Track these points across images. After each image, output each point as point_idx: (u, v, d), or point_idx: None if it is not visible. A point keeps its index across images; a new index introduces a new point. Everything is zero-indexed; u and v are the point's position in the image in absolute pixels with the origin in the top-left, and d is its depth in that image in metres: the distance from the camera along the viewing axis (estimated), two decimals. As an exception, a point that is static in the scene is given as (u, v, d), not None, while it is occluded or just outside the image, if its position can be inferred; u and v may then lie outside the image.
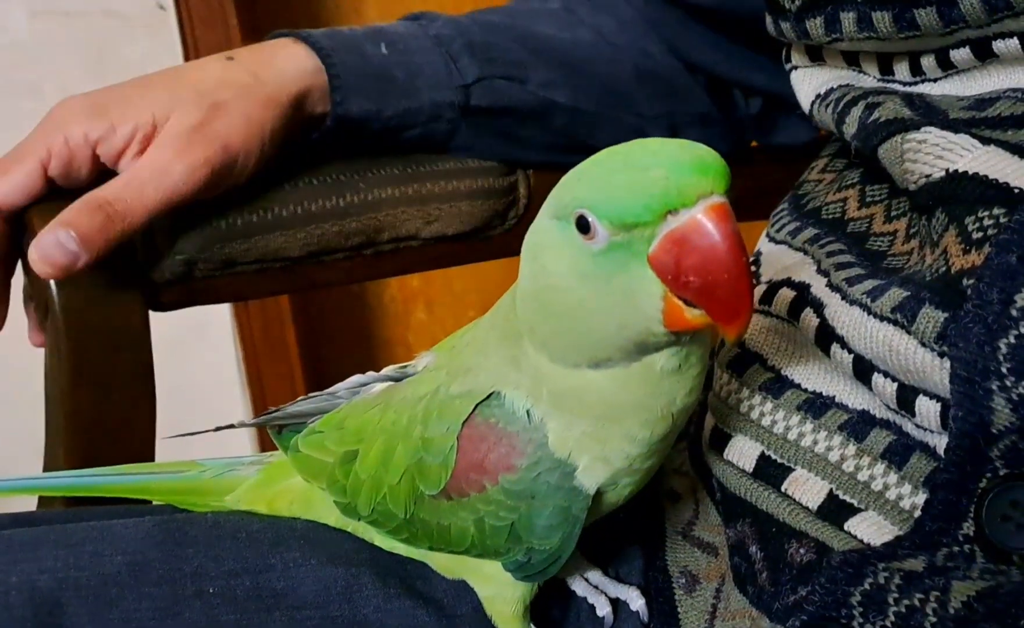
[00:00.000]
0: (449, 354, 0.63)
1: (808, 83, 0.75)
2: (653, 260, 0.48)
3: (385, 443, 0.61)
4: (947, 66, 0.64)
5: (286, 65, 0.86)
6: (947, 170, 0.58)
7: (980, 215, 0.55)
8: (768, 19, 0.74)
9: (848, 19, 0.65)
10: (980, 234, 0.55)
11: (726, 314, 0.48)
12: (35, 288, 0.85)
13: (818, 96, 0.73)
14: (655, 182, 0.47)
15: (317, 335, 2.21)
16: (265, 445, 0.70)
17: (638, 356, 0.52)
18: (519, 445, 0.56)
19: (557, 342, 0.54)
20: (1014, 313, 0.51)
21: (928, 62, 0.65)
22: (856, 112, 0.66)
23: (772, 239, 0.75)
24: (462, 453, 0.57)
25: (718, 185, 0.47)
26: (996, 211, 0.55)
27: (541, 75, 0.94)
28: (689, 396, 0.55)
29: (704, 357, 0.55)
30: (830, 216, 0.70)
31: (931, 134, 0.60)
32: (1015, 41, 0.59)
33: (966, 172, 0.57)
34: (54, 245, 0.74)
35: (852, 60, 0.71)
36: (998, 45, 0.60)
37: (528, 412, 0.56)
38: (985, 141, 0.58)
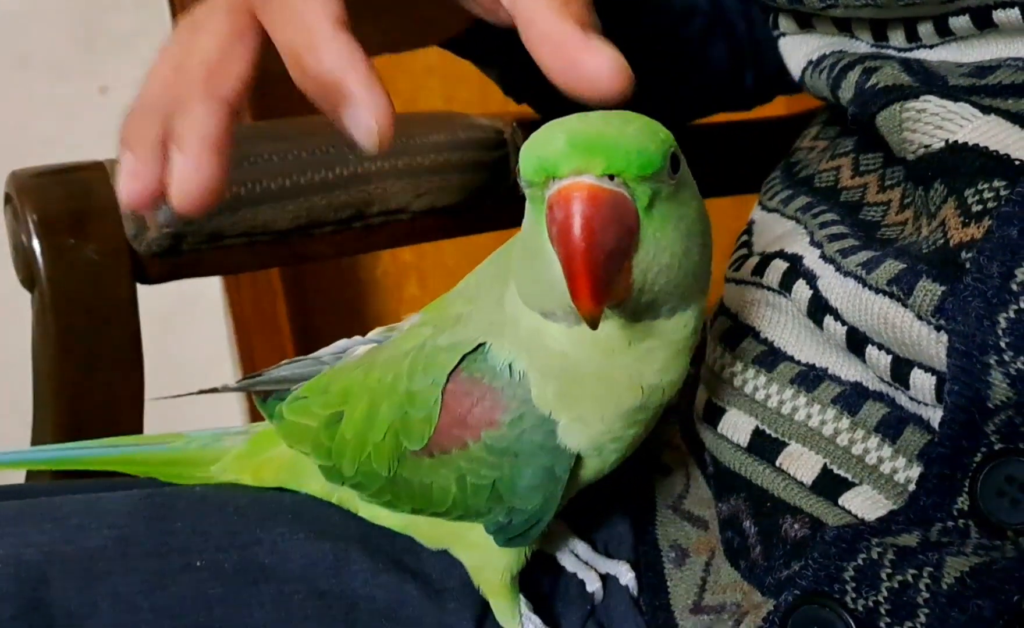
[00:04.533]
0: (438, 307, 0.62)
1: (799, 50, 0.73)
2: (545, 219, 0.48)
3: (370, 401, 0.60)
4: (945, 33, 0.63)
5: None
6: (947, 141, 0.57)
7: (980, 187, 0.55)
8: None
9: None
10: (980, 207, 0.54)
11: (573, 292, 0.46)
12: (21, 261, 0.84)
13: (810, 63, 0.72)
14: (545, 146, 0.47)
15: (309, 310, 2.20)
16: (255, 419, 0.70)
17: (576, 322, 0.51)
18: (503, 400, 0.56)
19: (518, 278, 0.54)
20: (1014, 287, 0.51)
21: (925, 29, 0.64)
22: (853, 77, 0.65)
23: (764, 207, 0.74)
24: (446, 408, 0.57)
25: (596, 165, 0.46)
26: (996, 183, 0.54)
27: None
28: (662, 375, 0.55)
29: (678, 341, 0.54)
30: (823, 185, 0.70)
31: (930, 103, 0.59)
32: (1016, 11, 0.58)
33: (966, 143, 0.56)
34: None
35: (843, 26, 0.70)
36: (998, 14, 0.59)
37: (510, 366, 0.56)
38: (986, 110, 0.57)
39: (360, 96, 0.51)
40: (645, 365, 0.54)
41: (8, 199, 0.85)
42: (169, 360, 1.26)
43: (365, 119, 0.52)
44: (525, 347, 0.55)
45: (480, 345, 0.57)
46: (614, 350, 0.53)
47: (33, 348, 0.86)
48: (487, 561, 0.62)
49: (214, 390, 0.71)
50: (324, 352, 0.67)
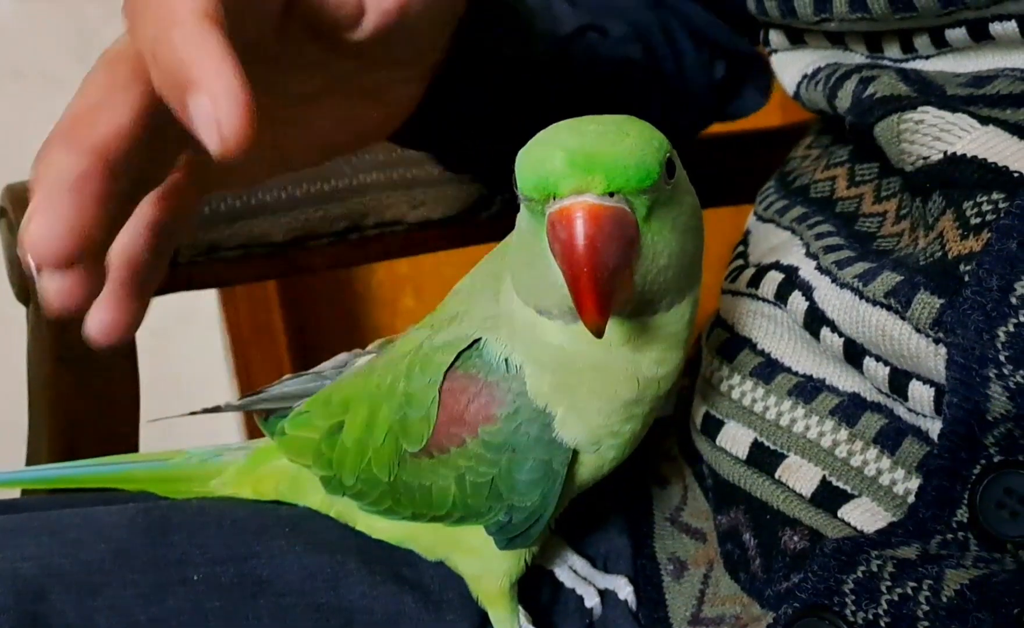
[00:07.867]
0: (436, 311, 0.62)
1: (792, 66, 0.73)
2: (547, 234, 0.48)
3: (370, 406, 0.60)
4: (941, 44, 0.63)
5: None
6: (945, 152, 0.57)
7: (979, 200, 0.55)
8: None
9: None
10: (978, 219, 0.54)
11: (579, 307, 0.47)
12: (16, 274, 0.84)
13: (805, 77, 0.71)
14: (544, 164, 0.47)
15: (305, 321, 2.20)
16: (253, 436, 0.70)
17: (573, 320, 0.51)
18: (498, 394, 0.56)
19: (515, 275, 0.54)
20: (1013, 301, 0.51)
21: (921, 41, 0.64)
22: (849, 86, 0.65)
23: (760, 217, 0.74)
24: (443, 406, 0.57)
25: (597, 184, 0.46)
26: (995, 196, 0.54)
27: (617, 27, 0.83)
28: (658, 367, 0.55)
29: (674, 333, 0.55)
30: (818, 195, 0.69)
31: (928, 114, 0.59)
32: (1013, 24, 0.58)
33: (964, 155, 0.56)
34: None
35: (836, 40, 0.70)
36: (995, 27, 0.59)
37: (506, 361, 0.56)
38: (984, 120, 0.57)
39: (206, 81, 0.40)
40: (641, 357, 0.54)
41: (3, 212, 0.85)
42: (165, 373, 1.26)
43: (205, 109, 0.40)
44: (521, 341, 0.55)
45: (476, 341, 0.57)
46: (611, 344, 0.53)
47: (29, 360, 0.86)
48: (486, 567, 0.62)
49: (216, 409, 0.70)
50: (325, 366, 0.67)
